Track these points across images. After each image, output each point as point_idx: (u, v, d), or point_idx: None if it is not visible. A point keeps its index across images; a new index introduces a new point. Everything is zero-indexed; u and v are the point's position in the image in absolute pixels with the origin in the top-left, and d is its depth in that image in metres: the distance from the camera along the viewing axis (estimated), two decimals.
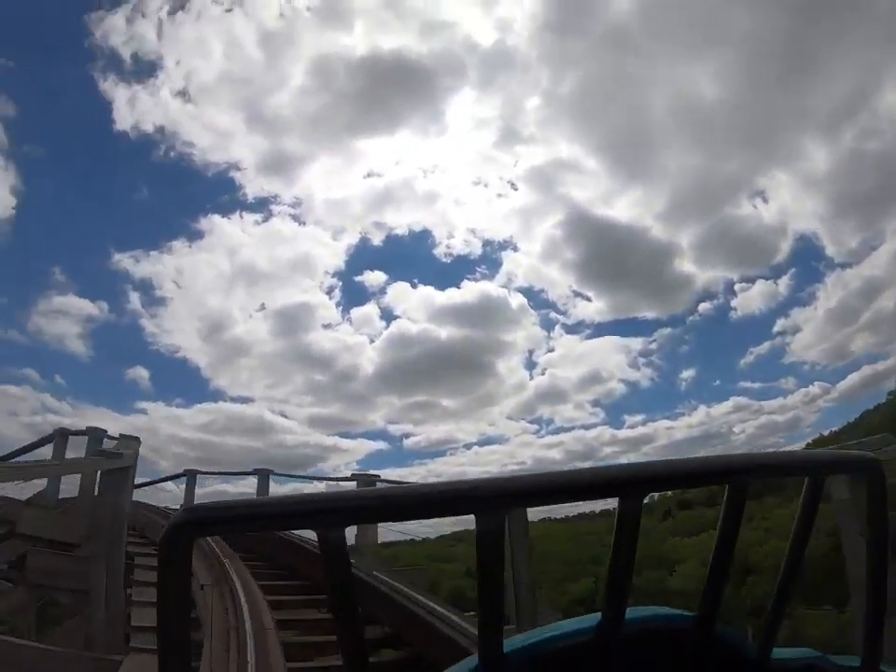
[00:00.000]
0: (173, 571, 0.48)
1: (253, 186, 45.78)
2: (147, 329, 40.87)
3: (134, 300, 41.42)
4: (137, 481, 9.47)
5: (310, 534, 0.50)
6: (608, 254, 45.20)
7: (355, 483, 10.29)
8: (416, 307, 49.90)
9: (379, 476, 10.63)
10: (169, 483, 13.33)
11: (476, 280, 45.67)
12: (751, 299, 41.23)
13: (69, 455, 9.60)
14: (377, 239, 45.20)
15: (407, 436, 43.49)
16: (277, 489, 11.84)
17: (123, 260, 40.32)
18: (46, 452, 9.99)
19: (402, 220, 50.17)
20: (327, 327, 45.17)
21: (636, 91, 42.75)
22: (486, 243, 45.80)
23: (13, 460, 9.34)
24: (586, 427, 43.74)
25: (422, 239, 47.35)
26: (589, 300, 48.03)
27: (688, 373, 45.39)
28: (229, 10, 39.98)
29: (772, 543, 16.35)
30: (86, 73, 39.67)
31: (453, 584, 16.81)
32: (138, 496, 10.40)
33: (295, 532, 7.89)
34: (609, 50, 40.84)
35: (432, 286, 48.49)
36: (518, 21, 49.48)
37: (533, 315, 44.70)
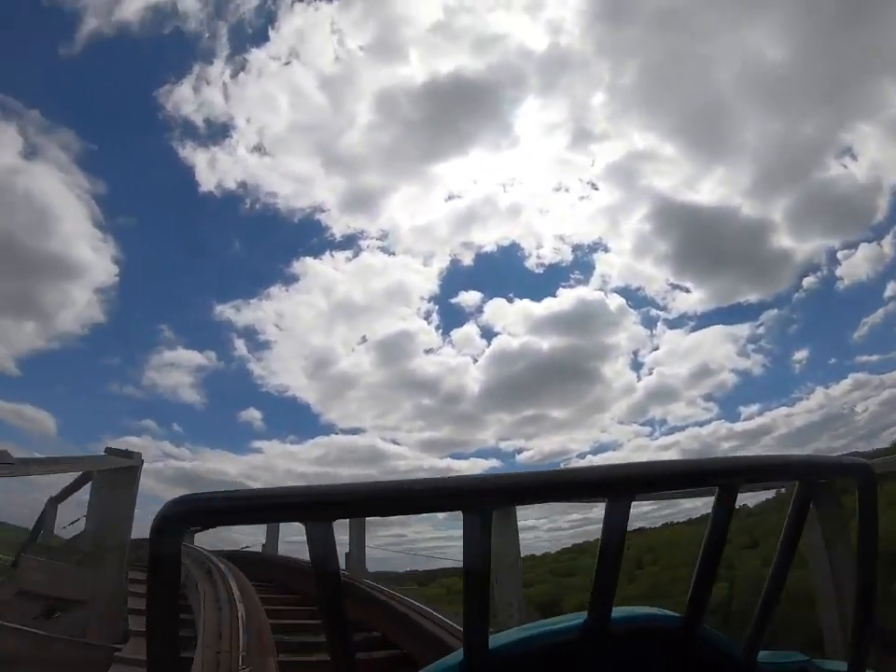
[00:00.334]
0: (163, 562, 0.48)
1: (339, 225, 46.98)
2: (255, 372, 43.53)
3: (240, 346, 44.05)
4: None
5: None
6: (700, 240, 42.51)
7: None
8: (515, 321, 49.51)
9: None
10: None
11: (571, 287, 44.97)
12: (857, 265, 36.63)
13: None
14: (467, 259, 45.91)
15: (519, 451, 42.61)
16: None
17: (225, 311, 43.58)
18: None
19: (489, 237, 49.86)
20: (429, 351, 45.67)
21: (698, 67, 40.18)
22: (576, 248, 44.99)
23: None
24: (700, 424, 40.59)
25: (511, 253, 46.94)
26: (688, 291, 45.32)
27: (801, 354, 41.51)
28: (287, 63, 42.69)
29: None
30: (165, 143, 42.15)
31: (577, 600, 16.22)
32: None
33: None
34: (663, 31, 38.63)
35: (528, 298, 47.96)
36: (567, 19, 48.55)
37: (633, 315, 42.88)
